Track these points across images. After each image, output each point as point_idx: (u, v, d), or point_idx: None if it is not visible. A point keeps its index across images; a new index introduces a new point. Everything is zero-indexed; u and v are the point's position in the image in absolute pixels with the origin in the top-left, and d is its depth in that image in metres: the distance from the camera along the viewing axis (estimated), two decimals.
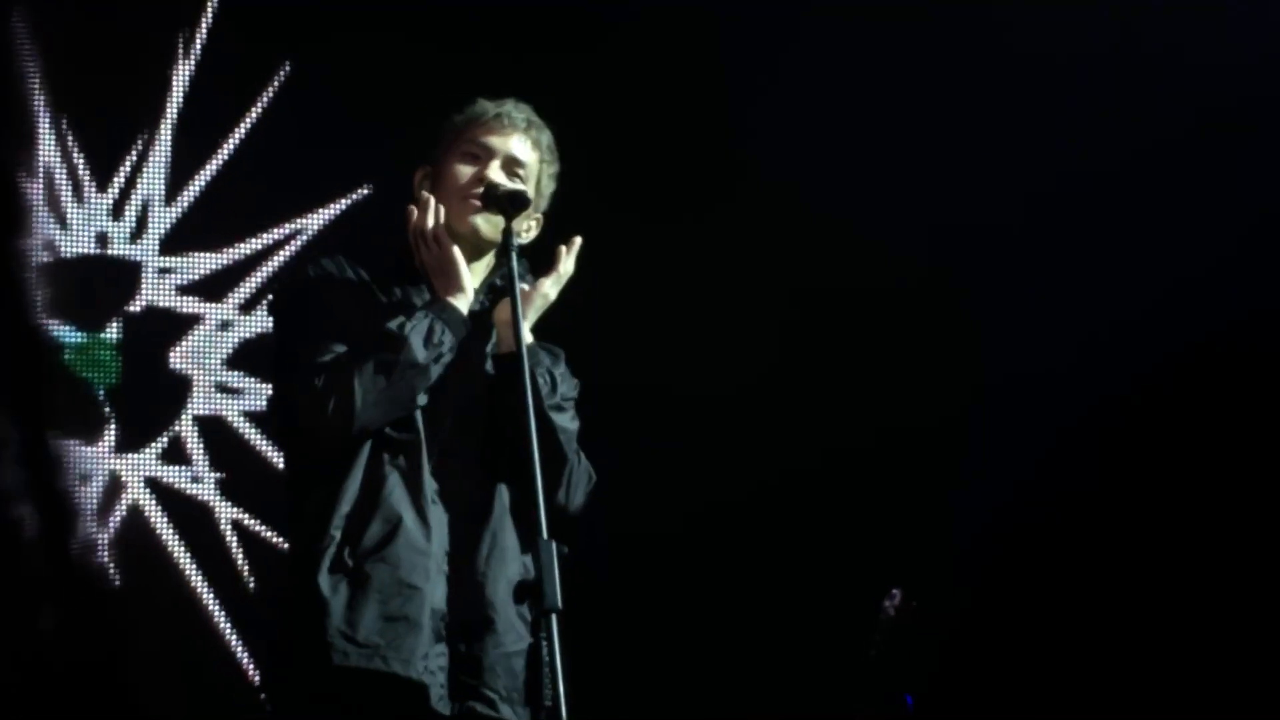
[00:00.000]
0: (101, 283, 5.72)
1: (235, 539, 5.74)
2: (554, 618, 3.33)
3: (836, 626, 5.36)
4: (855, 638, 4.87)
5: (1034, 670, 6.02)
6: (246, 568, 5.72)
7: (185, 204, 5.81)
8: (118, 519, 5.69)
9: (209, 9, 5.77)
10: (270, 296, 4.94)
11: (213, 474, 5.76)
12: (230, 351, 5.82)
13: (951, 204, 6.01)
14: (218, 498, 5.77)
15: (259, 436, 5.79)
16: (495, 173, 3.71)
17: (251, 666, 5.64)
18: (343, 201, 5.83)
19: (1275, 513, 6.00)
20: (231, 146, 5.81)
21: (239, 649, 5.68)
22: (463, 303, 3.67)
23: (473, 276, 3.73)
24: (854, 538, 5.89)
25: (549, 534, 3.36)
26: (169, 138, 5.80)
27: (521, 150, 3.74)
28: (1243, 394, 6.07)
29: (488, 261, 3.79)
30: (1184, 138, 6.03)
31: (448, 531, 3.64)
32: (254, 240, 5.84)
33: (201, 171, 5.80)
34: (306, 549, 3.61)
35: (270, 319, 3.96)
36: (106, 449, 5.73)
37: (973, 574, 6.03)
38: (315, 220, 5.84)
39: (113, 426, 5.70)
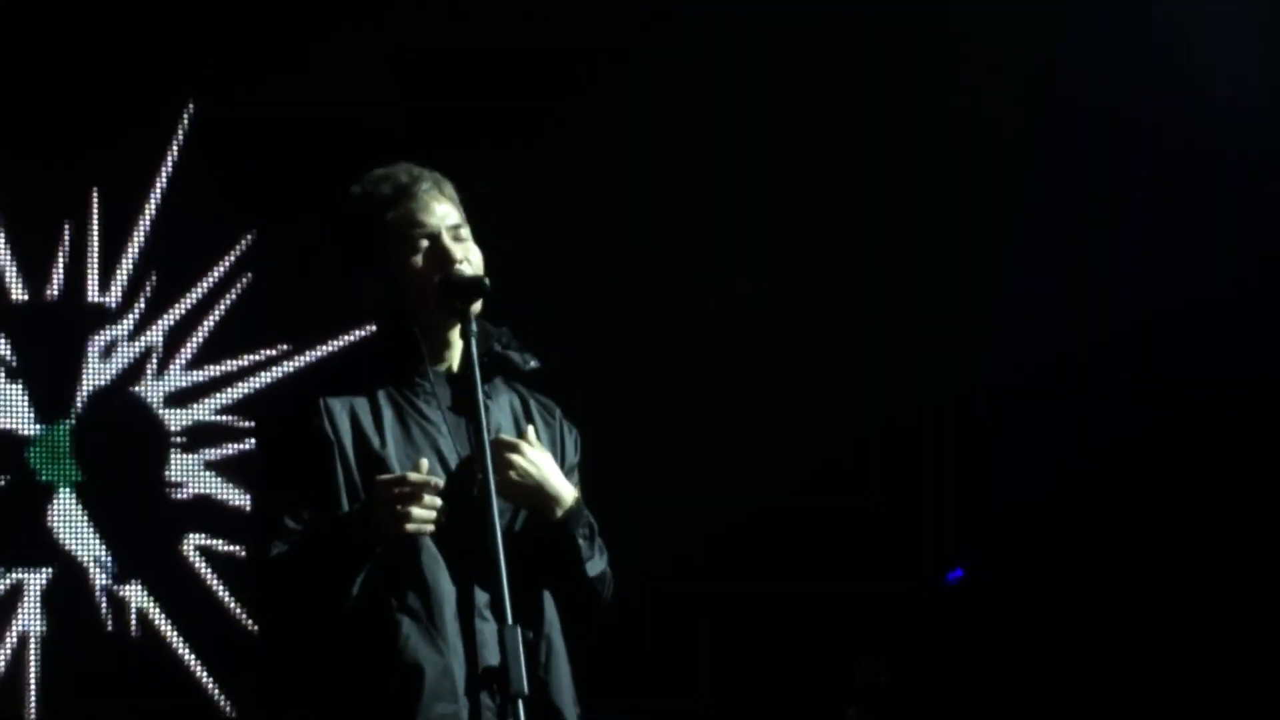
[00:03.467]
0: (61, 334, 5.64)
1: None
2: (520, 703, 3.37)
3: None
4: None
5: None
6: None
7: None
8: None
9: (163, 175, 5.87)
10: (256, 422, 4.99)
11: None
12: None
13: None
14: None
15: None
16: (450, 247, 3.74)
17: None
18: None
19: None
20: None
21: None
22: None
23: (451, 346, 3.77)
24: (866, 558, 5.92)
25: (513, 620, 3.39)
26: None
27: (451, 213, 3.80)
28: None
29: (459, 331, 3.80)
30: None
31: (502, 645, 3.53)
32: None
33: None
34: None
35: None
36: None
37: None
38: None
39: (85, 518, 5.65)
